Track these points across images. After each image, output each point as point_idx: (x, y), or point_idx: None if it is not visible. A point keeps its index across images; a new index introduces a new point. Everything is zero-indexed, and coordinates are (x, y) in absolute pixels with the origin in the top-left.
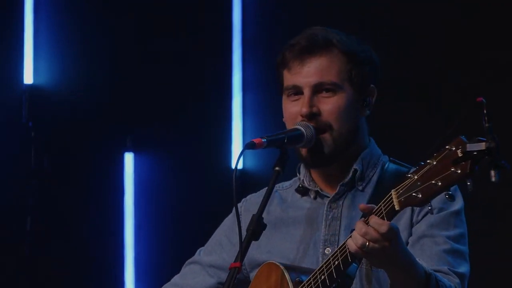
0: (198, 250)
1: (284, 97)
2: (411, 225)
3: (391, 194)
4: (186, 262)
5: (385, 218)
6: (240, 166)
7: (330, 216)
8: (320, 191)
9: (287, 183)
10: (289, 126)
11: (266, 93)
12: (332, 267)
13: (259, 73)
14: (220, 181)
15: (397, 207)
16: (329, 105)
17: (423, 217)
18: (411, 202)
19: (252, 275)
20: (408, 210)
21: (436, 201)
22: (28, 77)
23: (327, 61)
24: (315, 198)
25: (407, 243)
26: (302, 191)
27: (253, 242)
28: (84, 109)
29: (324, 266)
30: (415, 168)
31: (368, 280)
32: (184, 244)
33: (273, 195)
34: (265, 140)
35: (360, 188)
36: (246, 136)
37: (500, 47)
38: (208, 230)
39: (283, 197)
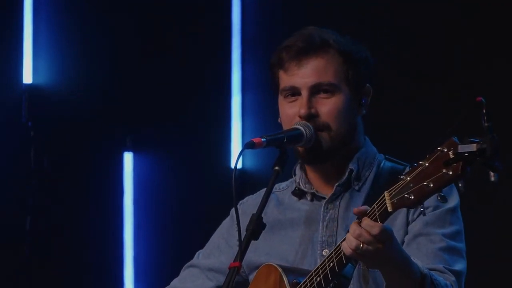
0: (197, 253)
1: (280, 98)
2: (407, 223)
3: (384, 196)
4: (185, 265)
5: (378, 220)
6: (239, 166)
7: (327, 217)
8: (316, 192)
9: (283, 184)
10: (286, 127)
11: (265, 93)
12: (327, 269)
13: (259, 73)
14: (220, 181)
15: (390, 209)
16: (327, 106)
17: (418, 215)
18: (404, 204)
19: (251, 277)
20: (403, 209)
21: (431, 199)
22: (27, 77)
23: (324, 61)
24: (311, 200)
25: (403, 242)
26: (299, 193)
27: (251, 244)
28: (84, 109)
29: (319, 268)
30: (408, 170)
31: (365, 281)
32: (184, 244)
33: (270, 197)
34: (265, 139)
35: (357, 188)
36: (246, 136)
37: (500, 47)
38: (208, 230)
39: (280, 199)
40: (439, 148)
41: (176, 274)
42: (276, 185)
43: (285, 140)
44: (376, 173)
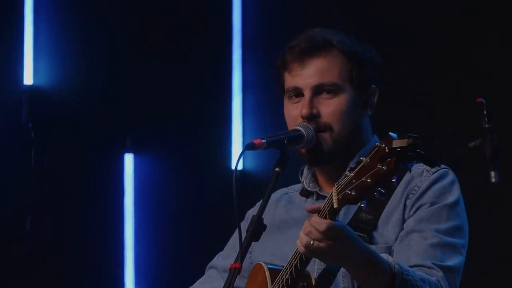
0: (217, 255)
1: (285, 99)
2: (404, 221)
3: (332, 192)
4: (207, 266)
5: (328, 217)
6: (240, 167)
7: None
8: (318, 191)
9: (298, 186)
10: (290, 128)
11: (266, 93)
12: (293, 266)
13: (259, 74)
14: (220, 182)
15: (335, 205)
16: (329, 107)
17: (414, 212)
18: (347, 200)
19: None
20: (400, 205)
21: (428, 196)
22: (28, 78)
23: (327, 62)
24: (317, 199)
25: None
26: (305, 193)
27: (259, 245)
28: (84, 110)
29: (288, 266)
30: (354, 166)
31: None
32: (184, 244)
33: (282, 197)
34: (265, 141)
35: None
36: (246, 137)
37: (501, 47)
38: (208, 230)
39: (292, 199)
40: (377, 144)
41: (176, 274)
42: (290, 187)
43: (285, 142)
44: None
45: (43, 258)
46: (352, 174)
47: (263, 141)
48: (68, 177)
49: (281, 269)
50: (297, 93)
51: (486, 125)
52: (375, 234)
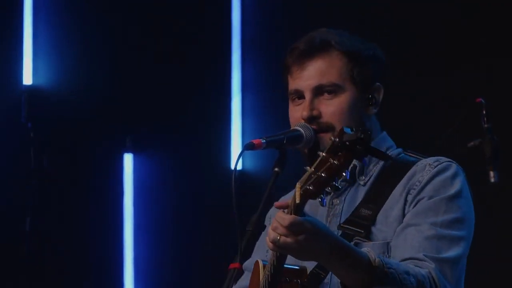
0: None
1: (289, 102)
2: (404, 216)
3: (296, 187)
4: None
5: (293, 212)
6: (239, 167)
7: (331, 213)
8: None
9: None
10: None
11: (265, 93)
12: (272, 263)
13: (259, 74)
14: (220, 182)
15: (297, 200)
16: (330, 107)
17: (414, 206)
18: (308, 195)
19: None
20: (401, 201)
21: (427, 190)
22: (27, 78)
23: (326, 63)
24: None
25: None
26: None
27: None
28: (83, 110)
29: (270, 263)
30: (315, 160)
31: None
32: (183, 245)
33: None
34: (264, 141)
35: (362, 183)
36: (246, 137)
37: (501, 47)
38: (207, 230)
39: None
40: (331, 138)
41: (175, 274)
42: None
43: (284, 142)
44: (384, 167)
45: (42, 258)
46: (312, 169)
47: (262, 141)
48: (68, 177)
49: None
50: (299, 95)
51: (486, 125)
52: (373, 229)
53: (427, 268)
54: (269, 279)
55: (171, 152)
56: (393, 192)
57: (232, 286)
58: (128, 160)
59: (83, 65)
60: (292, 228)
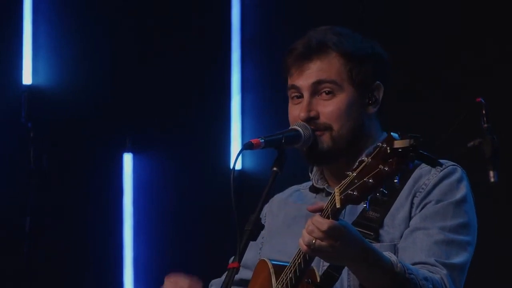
0: None
1: (289, 100)
2: (410, 219)
3: (334, 192)
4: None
5: (330, 216)
6: (238, 167)
7: None
8: (326, 188)
9: (310, 182)
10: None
11: (265, 93)
12: (296, 265)
13: (258, 73)
14: (219, 182)
15: (338, 205)
16: (328, 107)
17: (421, 210)
18: (350, 200)
19: None
20: (407, 203)
21: (434, 194)
22: (27, 77)
23: (324, 64)
24: (326, 195)
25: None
26: (315, 190)
27: (270, 242)
28: (83, 110)
29: (292, 264)
30: (356, 165)
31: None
32: (183, 244)
33: (293, 194)
34: (263, 140)
35: None
36: (245, 137)
37: (501, 47)
38: (207, 230)
39: (303, 195)
40: (379, 144)
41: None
42: (304, 183)
43: (283, 141)
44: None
45: (42, 258)
46: (354, 174)
47: (261, 140)
48: (67, 176)
49: (285, 266)
50: (298, 93)
51: (485, 125)
52: (381, 231)
53: (439, 274)
54: (293, 282)
55: (171, 152)
56: (399, 195)
57: (231, 286)
58: (127, 160)
59: (83, 65)
60: (330, 233)
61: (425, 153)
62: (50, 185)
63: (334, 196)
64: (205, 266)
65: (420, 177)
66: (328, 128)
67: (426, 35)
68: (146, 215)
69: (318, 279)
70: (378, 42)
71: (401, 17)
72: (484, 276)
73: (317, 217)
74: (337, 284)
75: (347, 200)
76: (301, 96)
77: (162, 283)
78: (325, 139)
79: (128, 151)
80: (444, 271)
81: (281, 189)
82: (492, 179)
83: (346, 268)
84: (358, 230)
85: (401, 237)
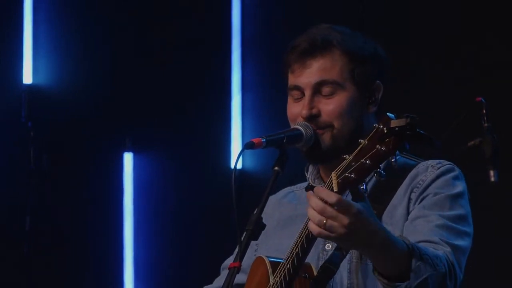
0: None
1: (288, 98)
2: (408, 214)
3: (331, 177)
4: (221, 267)
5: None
6: (239, 166)
7: None
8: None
9: (304, 184)
10: (291, 125)
11: (265, 93)
12: (294, 255)
13: (259, 73)
14: (220, 181)
15: (335, 189)
16: (329, 105)
17: (419, 203)
18: (347, 183)
19: None
20: (405, 200)
21: (432, 188)
22: (27, 77)
23: (327, 62)
24: None
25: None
26: (312, 189)
27: (264, 242)
28: (83, 109)
29: (289, 256)
30: (353, 148)
31: (356, 273)
32: (183, 244)
33: (288, 195)
34: (264, 140)
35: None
36: (246, 136)
37: (501, 47)
38: (207, 229)
39: (297, 196)
40: (375, 125)
41: (175, 273)
42: (296, 185)
43: (284, 141)
44: (385, 168)
45: (43, 258)
46: (351, 157)
47: (262, 140)
48: (68, 176)
49: (282, 261)
50: (299, 92)
51: (485, 125)
52: None
53: (443, 251)
54: (291, 272)
55: (171, 151)
56: (396, 193)
57: (231, 285)
58: (128, 159)
59: (83, 64)
60: (341, 207)
61: (421, 131)
62: (50, 185)
63: (331, 180)
64: (205, 266)
65: (417, 175)
66: (329, 126)
67: (426, 35)
68: (146, 214)
69: (315, 273)
70: (378, 42)
71: (401, 17)
72: (484, 276)
73: (323, 190)
74: (337, 283)
75: (344, 183)
76: (301, 94)
77: (162, 282)
78: (326, 138)
79: (128, 151)
80: (448, 249)
81: (283, 188)
82: (492, 179)
83: (345, 265)
84: None
85: (401, 232)
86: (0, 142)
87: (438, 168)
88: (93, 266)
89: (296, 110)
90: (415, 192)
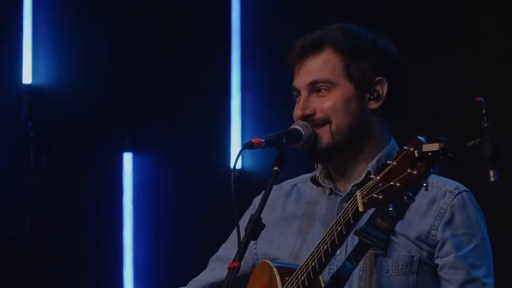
0: (220, 247)
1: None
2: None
3: (355, 196)
4: (210, 259)
5: (351, 219)
6: (238, 166)
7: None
8: (333, 188)
9: (306, 175)
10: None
11: (265, 93)
12: (310, 268)
13: (258, 73)
14: (219, 181)
15: (360, 208)
16: (323, 103)
17: (450, 244)
18: (374, 203)
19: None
20: (424, 222)
21: (460, 224)
22: (27, 77)
23: (319, 62)
24: (329, 194)
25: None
26: (316, 182)
27: (266, 236)
28: (83, 109)
29: (303, 267)
30: (379, 169)
31: (369, 283)
32: (183, 244)
33: (292, 190)
34: (264, 140)
35: None
36: (245, 136)
37: (501, 46)
38: (207, 229)
39: (301, 191)
40: (405, 148)
41: (175, 273)
42: (299, 177)
43: (284, 141)
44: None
45: (42, 258)
46: (378, 178)
47: (261, 140)
48: (67, 176)
49: (289, 267)
50: (297, 93)
51: (485, 125)
52: (393, 242)
53: None
54: (306, 284)
55: (171, 151)
56: (410, 207)
57: (231, 285)
58: (127, 159)
59: (83, 64)
60: None
61: (453, 156)
62: (50, 185)
63: (356, 199)
64: (205, 266)
65: (435, 199)
66: (326, 122)
67: (426, 35)
68: (146, 214)
69: (323, 285)
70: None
71: (401, 17)
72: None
73: None
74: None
75: (370, 203)
76: (300, 95)
77: (162, 282)
78: (325, 136)
79: (128, 151)
80: None
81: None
82: (492, 179)
83: (355, 271)
84: (365, 236)
85: (419, 251)
86: (0, 142)
87: (456, 195)
88: (93, 266)
89: (295, 111)
90: (438, 220)
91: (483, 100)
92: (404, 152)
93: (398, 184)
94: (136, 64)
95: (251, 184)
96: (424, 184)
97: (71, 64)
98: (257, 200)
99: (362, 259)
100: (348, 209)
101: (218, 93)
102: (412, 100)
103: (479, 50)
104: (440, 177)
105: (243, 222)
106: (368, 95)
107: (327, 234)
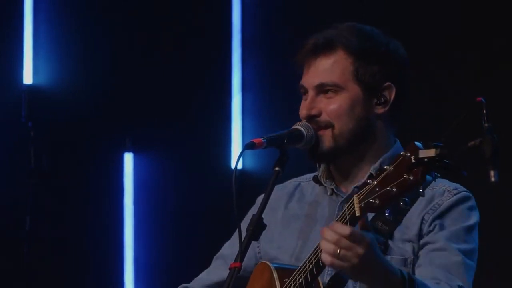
0: (225, 244)
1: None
2: (420, 236)
3: (353, 200)
4: (214, 257)
5: (349, 224)
6: (240, 166)
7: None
8: (335, 189)
9: (311, 175)
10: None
11: (265, 93)
12: (308, 270)
13: (259, 73)
14: (220, 182)
15: (357, 213)
16: (329, 106)
17: (433, 229)
18: (370, 208)
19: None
20: (418, 221)
21: (448, 217)
22: (27, 77)
23: (329, 62)
24: (331, 194)
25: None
26: (318, 181)
27: (267, 236)
28: (83, 109)
29: (301, 269)
30: (376, 174)
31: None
32: (184, 244)
33: (296, 191)
34: (265, 140)
35: None
36: (246, 136)
37: (501, 46)
38: (207, 230)
39: (304, 191)
40: (402, 153)
41: (175, 273)
42: (303, 176)
43: (285, 141)
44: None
45: (43, 258)
46: (375, 183)
47: (263, 140)
48: (68, 176)
49: (288, 268)
50: (305, 91)
51: (486, 125)
52: (391, 245)
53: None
54: (304, 286)
55: (171, 151)
56: (411, 210)
57: (232, 286)
58: (128, 159)
59: (83, 64)
60: (354, 239)
61: (449, 162)
62: (50, 185)
63: (353, 204)
64: (205, 266)
65: (433, 198)
66: (329, 125)
67: (426, 35)
68: (147, 214)
69: (322, 287)
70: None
71: (401, 17)
72: (484, 276)
73: (337, 224)
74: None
75: (367, 208)
76: (307, 94)
77: (162, 282)
78: (327, 138)
79: (128, 151)
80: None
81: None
82: (492, 179)
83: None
84: None
85: (412, 252)
86: (0, 142)
87: (455, 194)
88: (93, 266)
89: (301, 110)
90: (429, 214)
91: (483, 100)
92: (401, 158)
93: (395, 190)
94: (136, 64)
95: (252, 184)
96: (421, 190)
97: (71, 64)
98: (260, 199)
99: None
100: (346, 213)
101: (219, 93)
102: (412, 100)
103: (479, 50)
104: (444, 180)
105: (245, 221)
106: (375, 100)
107: (318, 248)
